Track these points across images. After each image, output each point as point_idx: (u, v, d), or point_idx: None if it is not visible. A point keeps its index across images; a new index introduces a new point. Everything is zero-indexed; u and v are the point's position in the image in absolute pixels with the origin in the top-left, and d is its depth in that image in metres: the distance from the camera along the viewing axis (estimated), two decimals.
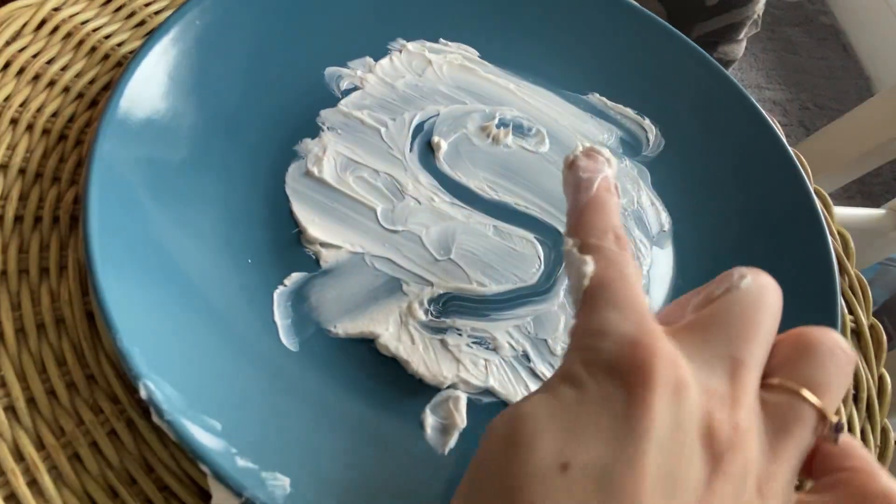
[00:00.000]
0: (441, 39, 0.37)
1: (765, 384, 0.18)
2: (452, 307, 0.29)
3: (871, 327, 0.35)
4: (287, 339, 0.26)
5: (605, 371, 0.17)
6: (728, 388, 0.17)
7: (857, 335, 0.35)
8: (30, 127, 0.29)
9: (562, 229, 0.33)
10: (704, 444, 0.16)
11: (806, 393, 0.18)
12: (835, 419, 0.18)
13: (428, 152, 0.33)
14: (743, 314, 0.18)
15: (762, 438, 0.17)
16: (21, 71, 0.30)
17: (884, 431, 0.33)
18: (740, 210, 0.36)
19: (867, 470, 0.18)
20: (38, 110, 0.30)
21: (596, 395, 0.17)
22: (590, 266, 0.19)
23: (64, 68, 0.31)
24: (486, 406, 0.27)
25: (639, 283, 0.19)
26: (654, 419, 0.16)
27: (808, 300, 0.33)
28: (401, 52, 0.36)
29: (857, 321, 0.35)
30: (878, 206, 1.01)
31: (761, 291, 0.19)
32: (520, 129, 0.35)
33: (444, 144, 0.33)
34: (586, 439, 0.16)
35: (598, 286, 0.19)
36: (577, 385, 0.17)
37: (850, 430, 0.32)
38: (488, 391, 0.27)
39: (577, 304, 0.19)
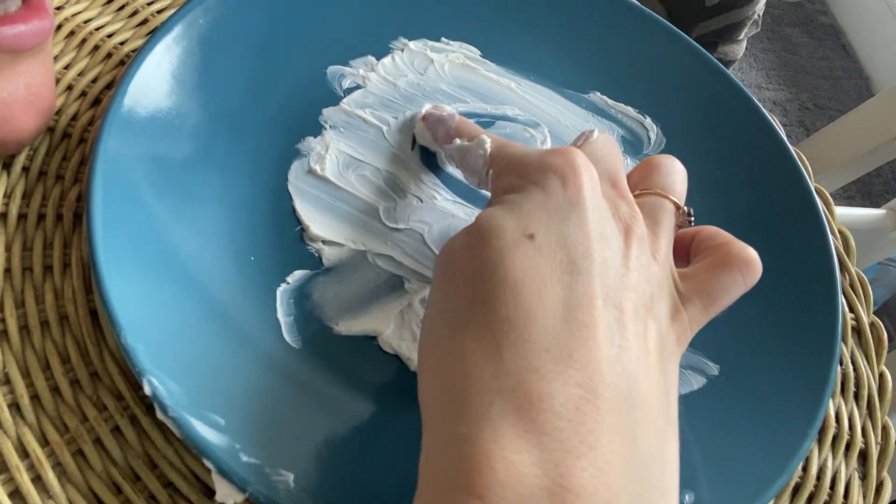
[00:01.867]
0: (443, 38, 0.37)
1: (632, 194, 0.24)
2: None
3: (872, 325, 0.35)
4: (290, 337, 0.26)
5: (541, 172, 0.22)
6: (614, 190, 0.23)
7: (857, 333, 0.35)
8: None
9: None
10: (615, 217, 0.22)
11: (661, 192, 0.24)
12: (686, 209, 0.24)
13: (430, 152, 0.33)
14: (606, 151, 0.24)
15: (645, 222, 0.23)
16: None
17: (884, 429, 0.33)
18: (741, 209, 0.36)
19: (729, 241, 0.24)
20: None
21: (538, 190, 0.22)
22: (486, 139, 0.26)
23: (67, 67, 0.31)
24: None
25: None
26: (586, 196, 0.21)
27: (810, 298, 0.33)
28: (403, 50, 0.36)
29: (857, 319, 0.35)
30: (878, 206, 1.01)
31: (608, 138, 0.25)
32: (523, 127, 0.35)
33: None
34: (540, 218, 0.21)
35: (500, 144, 0.26)
36: (519, 190, 0.22)
37: (851, 427, 0.32)
38: None
39: (482, 170, 0.26)
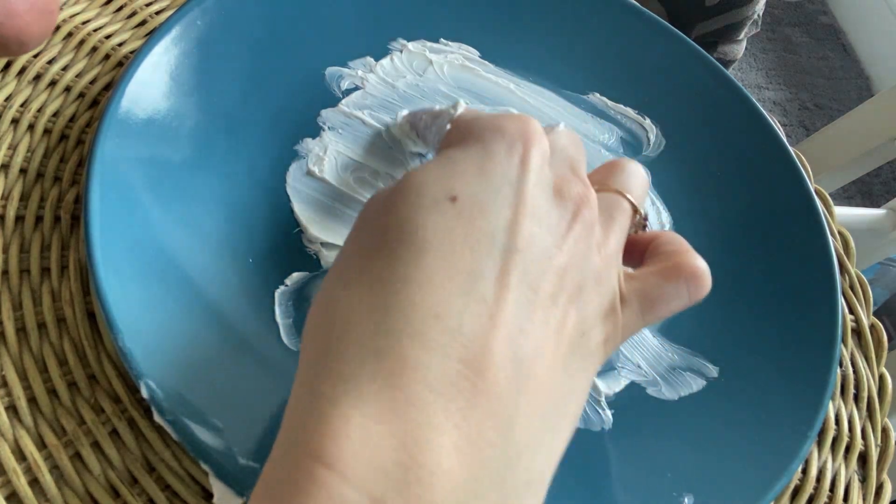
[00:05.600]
0: (442, 39, 0.37)
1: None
2: None
3: (872, 327, 0.35)
4: (288, 339, 0.26)
5: (488, 132, 0.20)
6: (571, 173, 0.21)
7: (857, 334, 0.35)
8: (31, 127, 0.29)
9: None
10: (560, 196, 0.20)
11: (620, 189, 0.23)
12: (643, 212, 0.24)
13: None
14: (570, 141, 0.23)
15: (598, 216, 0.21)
16: (22, 71, 0.30)
17: (884, 431, 0.33)
18: (741, 210, 0.36)
19: (683, 250, 0.22)
20: (40, 110, 0.30)
21: (478, 149, 0.20)
22: (462, 102, 0.26)
23: (65, 68, 0.31)
24: None
25: None
26: (531, 167, 0.20)
27: (809, 299, 0.33)
28: (401, 51, 0.36)
29: (857, 320, 0.35)
30: (878, 206, 1.01)
31: (574, 135, 0.24)
32: None
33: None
34: (470, 179, 0.19)
35: (469, 110, 0.25)
36: (460, 145, 0.21)
37: (851, 429, 0.32)
38: None
39: (442, 131, 0.24)
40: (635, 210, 0.23)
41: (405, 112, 0.32)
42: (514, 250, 0.18)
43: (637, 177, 0.24)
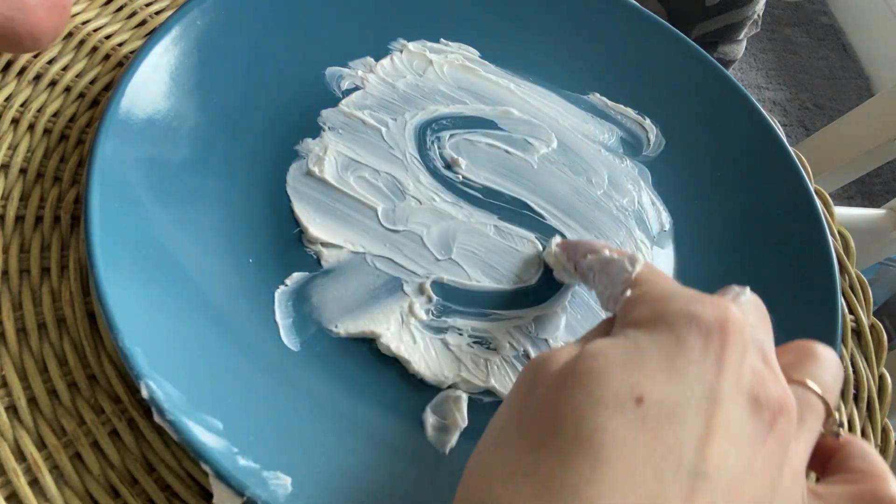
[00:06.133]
0: (442, 39, 0.37)
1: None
2: (453, 307, 0.29)
3: (872, 327, 0.35)
4: (288, 339, 0.26)
5: (682, 318, 0.18)
6: (765, 367, 0.19)
7: (857, 335, 0.35)
8: (31, 127, 0.29)
9: (563, 230, 0.33)
10: (757, 403, 0.17)
11: (814, 386, 0.20)
12: (836, 416, 0.20)
13: (426, 150, 0.33)
14: (757, 315, 0.21)
15: None
16: (22, 71, 0.30)
17: (884, 431, 0.33)
18: (741, 210, 0.36)
19: (881, 474, 0.19)
20: (40, 110, 0.30)
21: (670, 338, 0.18)
22: (640, 256, 0.23)
23: (65, 68, 0.31)
24: (487, 406, 0.27)
25: None
26: (728, 366, 0.17)
27: (809, 300, 0.33)
28: (402, 51, 0.36)
29: (857, 321, 0.35)
30: (878, 206, 1.01)
31: (759, 302, 0.21)
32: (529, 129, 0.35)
33: (462, 162, 0.33)
34: (660, 376, 0.17)
35: (652, 269, 0.23)
36: (649, 329, 0.18)
37: (851, 429, 0.32)
38: (489, 391, 0.27)
39: (620, 288, 0.22)
40: (828, 411, 0.20)
41: (559, 239, 0.31)
42: (703, 475, 0.16)
43: (832, 367, 0.21)
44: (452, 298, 0.29)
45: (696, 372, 0.17)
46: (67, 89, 0.31)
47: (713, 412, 0.17)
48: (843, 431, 0.21)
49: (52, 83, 0.30)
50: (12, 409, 0.24)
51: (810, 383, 0.20)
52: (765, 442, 0.17)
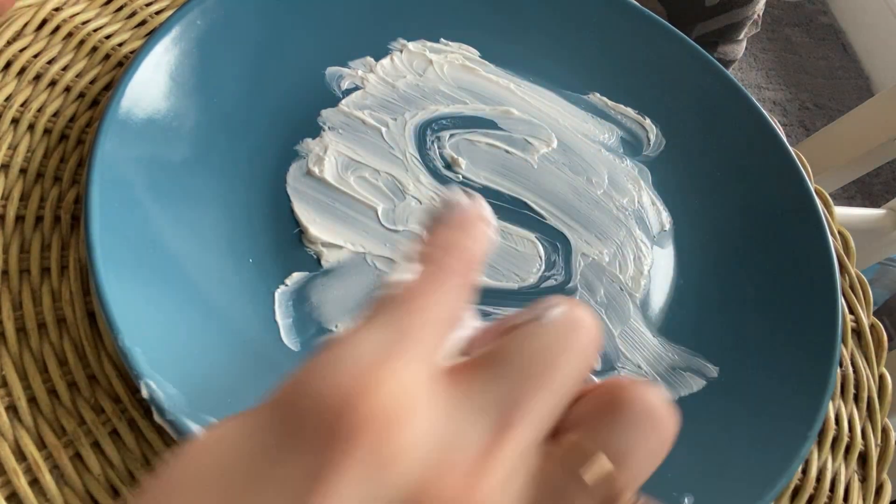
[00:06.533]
0: (442, 39, 0.37)
1: (559, 438, 0.14)
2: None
3: (872, 327, 0.35)
4: (288, 339, 0.26)
5: (309, 418, 0.12)
6: (486, 446, 0.13)
7: (857, 335, 0.35)
8: (31, 127, 0.29)
9: (563, 229, 0.33)
10: None
11: (597, 466, 0.14)
12: (631, 499, 0.14)
13: (426, 150, 0.33)
14: (538, 354, 0.14)
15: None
16: (22, 71, 0.30)
17: (884, 431, 0.33)
18: (741, 210, 0.36)
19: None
20: (40, 110, 0.30)
21: (290, 445, 0.12)
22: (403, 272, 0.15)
23: (65, 68, 0.31)
24: None
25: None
26: (341, 489, 0.11)
27: (809, 300, 0.33)
28: (402, 51, 0.36)
29: (857, 321, 0.35)
30: (878, 206, 1.01)
31: (570, 328, 0.15)
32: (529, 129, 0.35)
33: (462, 161, 0.33)
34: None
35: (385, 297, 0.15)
36: (280, 421, 0.13)
37: (851, 429, 0.32)
38: None
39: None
40: (617, 494, 0.14)
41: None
42: None
43: (641, 422, 0.14)
44: None
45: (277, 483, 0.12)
46: (67, 89, 0.31)
47: None
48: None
49: (52, 83, 0.30)
50: (12, 409, 0.24)
51: (597, 455, 0.14)
52: None
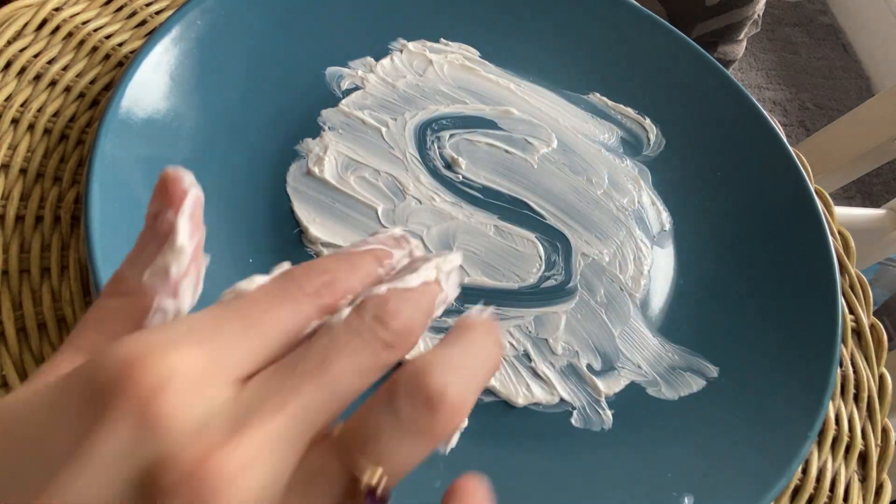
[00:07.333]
0: (442, 39, 0.37)
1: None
2: (453, 307, 0.29)
3: (872, 327, 0.35)
4: None
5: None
6: (239, 428, 0.13)
7: (857, 335, 0.35)
8: (31, 127, 0.29)
9: (563, 229, 0.33)
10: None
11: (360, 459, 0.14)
12: (372, 481, 0.14)
13: (426, 150, 0.33)
14: (311, 354, 0.14)
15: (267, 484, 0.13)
16: (22, 71, 0.30)
17: (884, 431, 0.33)
18: (741, 210, 0.36)
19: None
20: (40, 110, 0.30)
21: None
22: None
23: (65, 68, 0.31)
24: (488, 405, 0.27)
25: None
26: (106, 444, 0.12)
27: (809, 300, 0.33)
28: (402, 51, 0.36)
29: (857, 321, 0.35)
30: (878, 206, 1.01)
31: (353, 332, 0.15)
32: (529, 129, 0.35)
33: (462, 162, 0.33)
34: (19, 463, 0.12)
35: None
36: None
37: (851, 429, 0.32)
38: (489, 391, 0.27)
39: None
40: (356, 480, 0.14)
41: None
42: None
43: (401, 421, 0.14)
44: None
45: (48, 433, 0.12)
46: (67, 89, 0.31)
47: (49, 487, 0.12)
48: None
49: (52, 83, 0.30)
50: None
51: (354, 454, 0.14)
52: None
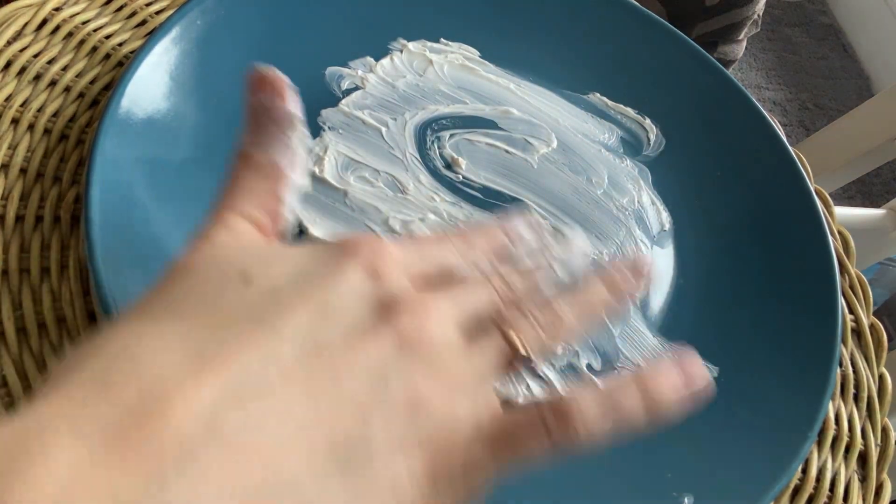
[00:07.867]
0: (442, 39, 0.37)
1: None
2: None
3: (872, 327, 0.35)
4: None
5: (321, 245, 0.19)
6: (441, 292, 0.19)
7: (857, 335, 0.35)
8: (31, 127, 0.29)
9: (563, 229, 0.33)
10: (369, 303, 0.17)
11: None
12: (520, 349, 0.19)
13: (426, 150, 0.33)
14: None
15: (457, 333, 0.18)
16: (22, 71, 0.30)
17: (884, 430, 0.33)
18: (740, 210, 0.36)
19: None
20: (40, 110, 0.30)
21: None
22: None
23: (65, 68, 0.31)
24: None
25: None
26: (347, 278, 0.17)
27: (809, 299, 0.33)
28: (402, 51, 0.36)
29: (857, 321, 0.35)
30: (878, 206, 1.01)
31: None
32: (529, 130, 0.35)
33: (462, 162, 0.33)
34: (274, 264, 0.18)
35: None
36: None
37: (851, 428, 0.32)
38: None
39: None
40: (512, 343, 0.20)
41: None
42: (268, 325, 0.17)
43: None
44: None
45: (308, 265, 0.18)
46: (67, 89, 0.31)
47: (312, 292, 0.17)
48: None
49: (52, 83, 0.30)
50: (13, 409, 0.24)
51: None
52: (374, 332, 0.17)
